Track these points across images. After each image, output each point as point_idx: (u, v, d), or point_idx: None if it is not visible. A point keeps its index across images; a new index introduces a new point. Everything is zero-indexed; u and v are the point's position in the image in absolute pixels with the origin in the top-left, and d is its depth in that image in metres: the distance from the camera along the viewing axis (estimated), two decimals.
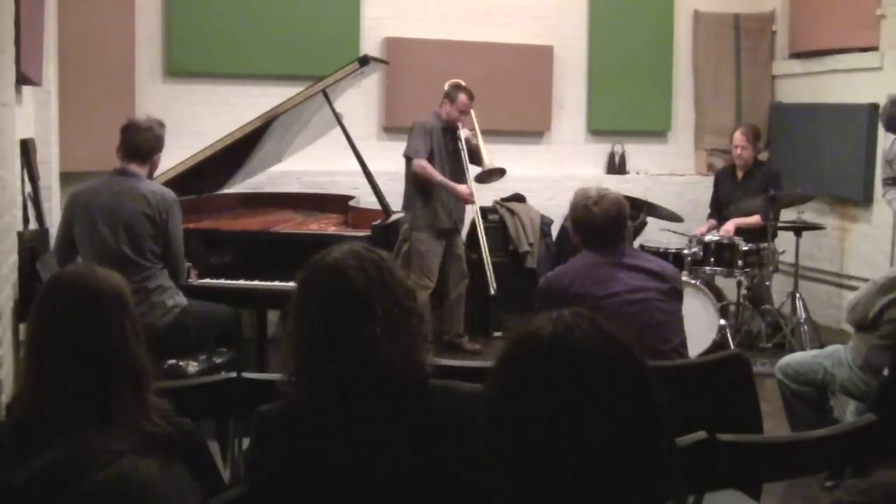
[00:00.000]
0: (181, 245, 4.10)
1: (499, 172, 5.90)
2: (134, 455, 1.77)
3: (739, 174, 6.39)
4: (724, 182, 6.50)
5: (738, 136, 6.30)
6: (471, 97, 5.86)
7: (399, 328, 1.81)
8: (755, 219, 6.06)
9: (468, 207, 5.99)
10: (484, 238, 5.90)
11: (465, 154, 5.87)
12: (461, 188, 5.82)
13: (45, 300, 1.95)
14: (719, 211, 6.47)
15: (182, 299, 4.06)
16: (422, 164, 5.77)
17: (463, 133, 5.90)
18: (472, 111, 5.92)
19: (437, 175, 5.78)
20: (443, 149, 5.86)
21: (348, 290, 1.79)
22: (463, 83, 5.98)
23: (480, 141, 5.91)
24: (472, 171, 5.90)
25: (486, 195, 6.58)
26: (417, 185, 5.84)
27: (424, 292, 5.74)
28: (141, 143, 4.05)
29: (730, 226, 6.08)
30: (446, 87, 5.96)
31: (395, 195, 5.67)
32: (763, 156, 7.33)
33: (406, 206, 5.81)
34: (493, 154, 5.95)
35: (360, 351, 1.77)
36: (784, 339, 5.87)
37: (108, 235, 3.90)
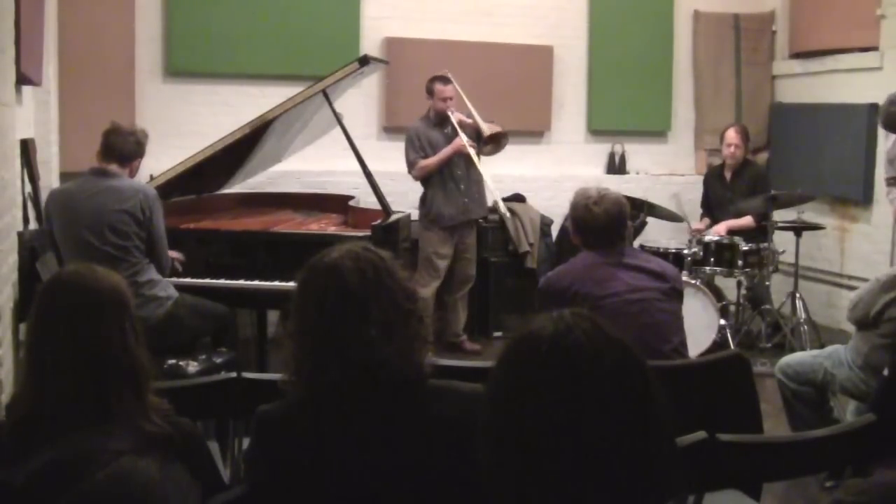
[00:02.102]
0: (164, 241, 4.11)
1: (502, 136, 5.68)
2: (133, 455, 1.77)
3: (728, 174, 6.38)
4: (713, 183, 6.50)
5: (733, 135, 6.28)
6: (445, 81, 5.77)
7: (395, 329, 1.80)
8: (747, 220, 6.06)
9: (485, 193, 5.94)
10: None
11: (464, 137, 5.71)
12: (453, 143, 5.72)
13: (45, 300, 1.95)
14: (710, 212, 6.47)
15: (174, 291, 4.06)
16: (418, 166, 5.76)
17: (455, 118, 5.75)
18: (457, 89, 5.79)
19: (432, 160, 5.74)
20: (438, 144, 5.79)
21: (344, 290, 1.79)
22: (436, 74, 5.89)
23: (474, 113, 5.76)
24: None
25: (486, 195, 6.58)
26: (426, 185, 5.84)
27: (430, 289, 5.76)
28: (122, 145, 4.06)
29: (721, 228, 6.07)
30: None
31: (396, 195, 5.65)
32: (762, 157, 7.33)
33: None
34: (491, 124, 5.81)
35: (357, 351, 1.77)
36: (784, 339, 5.87)
37: (92, 237, 3.88)
